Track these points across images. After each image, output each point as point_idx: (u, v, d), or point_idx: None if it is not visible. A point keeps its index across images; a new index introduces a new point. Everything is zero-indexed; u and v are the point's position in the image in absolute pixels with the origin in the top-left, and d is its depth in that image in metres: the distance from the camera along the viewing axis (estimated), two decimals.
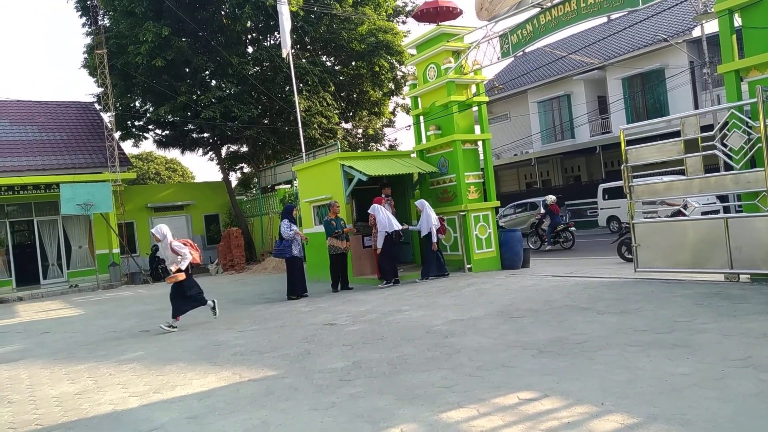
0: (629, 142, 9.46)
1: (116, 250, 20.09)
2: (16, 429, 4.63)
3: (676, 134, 8.92)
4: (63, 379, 6.23)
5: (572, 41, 29.77)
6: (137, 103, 23.20)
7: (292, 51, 18.38)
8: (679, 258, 8.64)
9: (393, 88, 25.26)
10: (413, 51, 14.11)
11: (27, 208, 20.00)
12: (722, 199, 15.50)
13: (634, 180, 9.34)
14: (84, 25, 23.19)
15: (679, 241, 8.62)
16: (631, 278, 9.12)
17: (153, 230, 8.60)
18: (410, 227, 12.41)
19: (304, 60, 21.74)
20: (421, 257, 12.88)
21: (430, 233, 11.48)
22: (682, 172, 8.79)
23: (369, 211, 11.55)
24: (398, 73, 24.91)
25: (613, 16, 23.83)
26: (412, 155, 13.96)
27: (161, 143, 24.53)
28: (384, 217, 11.20)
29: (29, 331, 10.33)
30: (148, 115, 22.96)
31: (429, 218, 11.49)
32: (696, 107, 22.28)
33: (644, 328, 5.75)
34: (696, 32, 21.91)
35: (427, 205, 11.77)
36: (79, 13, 22.90)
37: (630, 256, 11.40)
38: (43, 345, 8.67)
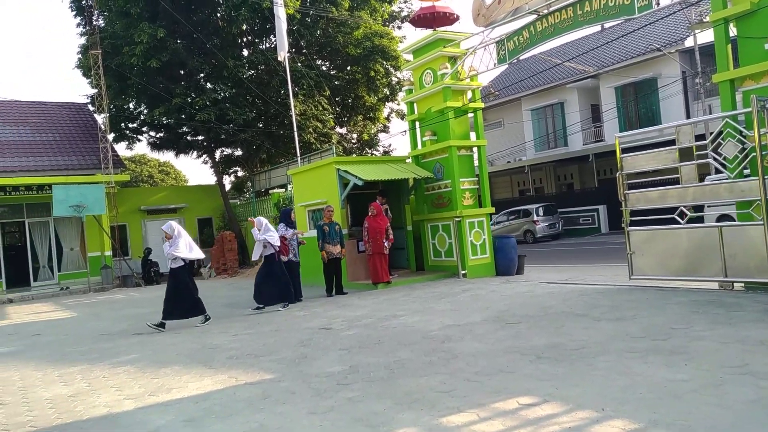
0: (623, 150, 9.52)
1: (108, 253, 19.95)
2: (10, 430, 4.57)
3: (668, 143, 8.97)
4: (56, 381, 6.16)
5: (566, 49, 29.93)
6: (131, 105, 23.07)
7: (288, 54, 18.37)
8: (673, 265, 8.67)
9: (388, 93, 25.30)
10: (409, 56, 14.15)
11: (18, 209, 19.81)
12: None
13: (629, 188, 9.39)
14: (78, 25, 23.13)
15: (674, 249, 8.65)
16: (626, 285, 9.15)
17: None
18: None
19: (299, 64, 21.74)
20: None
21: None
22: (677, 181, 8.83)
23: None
24: (393, 78, 24.96)
25: (607, 25, 24.11)
26: (407, 161, 13.98)
27: (155, 145, 24.42)
28: (185, 242, 8.93)
29: (20, 333, 10.22)
30: (143, 117, 22.88)
31: (267, 235, 9.73)
32: (688, 117, 22.44)
33: (641, 334, 5.76)
34: (688, 42, 22.14)
35: (266, 223, 9.93)
36: (74, 12, 22.84)
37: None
38: (35, 347, 8.58)
